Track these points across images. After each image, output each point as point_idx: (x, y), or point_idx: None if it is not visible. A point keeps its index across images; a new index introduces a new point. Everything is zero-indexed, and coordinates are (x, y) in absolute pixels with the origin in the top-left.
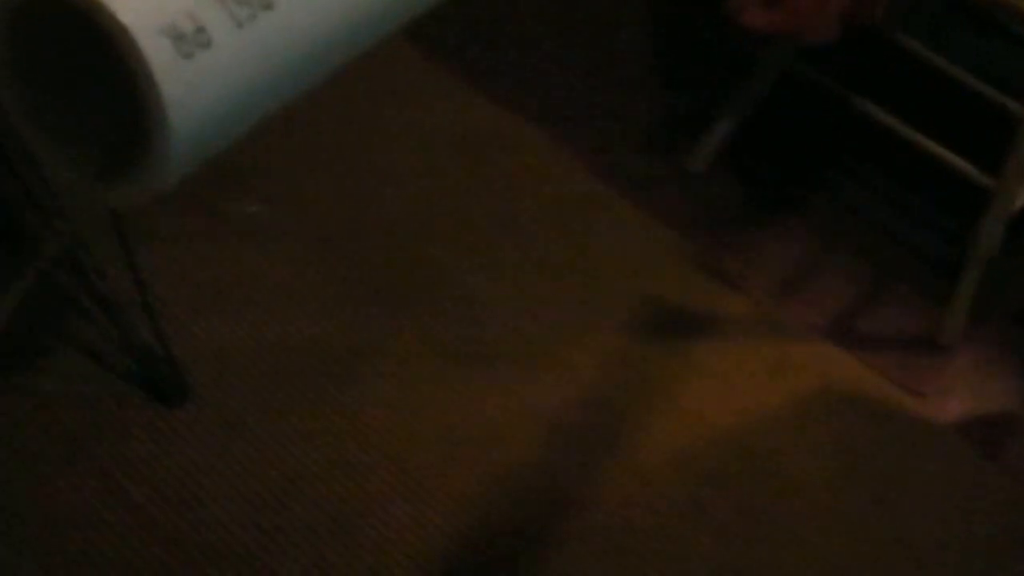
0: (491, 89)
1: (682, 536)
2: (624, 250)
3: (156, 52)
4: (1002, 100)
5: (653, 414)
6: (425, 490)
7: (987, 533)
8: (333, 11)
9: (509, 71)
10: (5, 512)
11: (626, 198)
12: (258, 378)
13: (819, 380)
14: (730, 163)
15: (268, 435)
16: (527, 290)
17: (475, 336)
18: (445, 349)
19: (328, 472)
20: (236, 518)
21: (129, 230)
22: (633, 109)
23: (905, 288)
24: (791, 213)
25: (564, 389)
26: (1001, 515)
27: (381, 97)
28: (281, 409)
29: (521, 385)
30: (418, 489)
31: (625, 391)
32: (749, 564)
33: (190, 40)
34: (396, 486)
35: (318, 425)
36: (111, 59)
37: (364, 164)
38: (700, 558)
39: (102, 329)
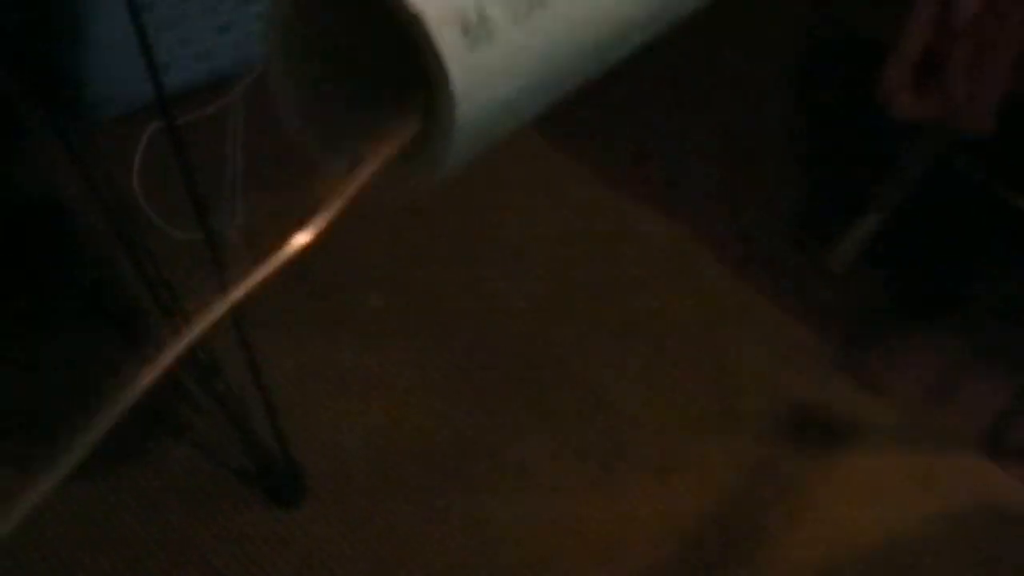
0: (622, 182)
1: None
2: (763, 351)
3: (447, 41)
4: None
5: (791, 524)
6: None
7: None
8: (607, 8)
9: (642, 163)
10: None
11: (765, 296)
12: (378, 478)
13: (968, 494)
14: (875, 259)
15: (389, 539)
16: (660, 391)
17: (606, 438)
18: (574, 451)
19: None
20: None
21: (248, 324)
22: (773, 204)
23: None
24: (939, 313)
25: (699, 496)
26: None
27: (506, 188)
28: (402, 511)
29: (654, 490)
30: None
31: (763, 499)
32: None
33: (475, 30)
34: None
35: (441, 529)
36: (396, 49)
37: (488, 257)
38: None
39: (217, 425)
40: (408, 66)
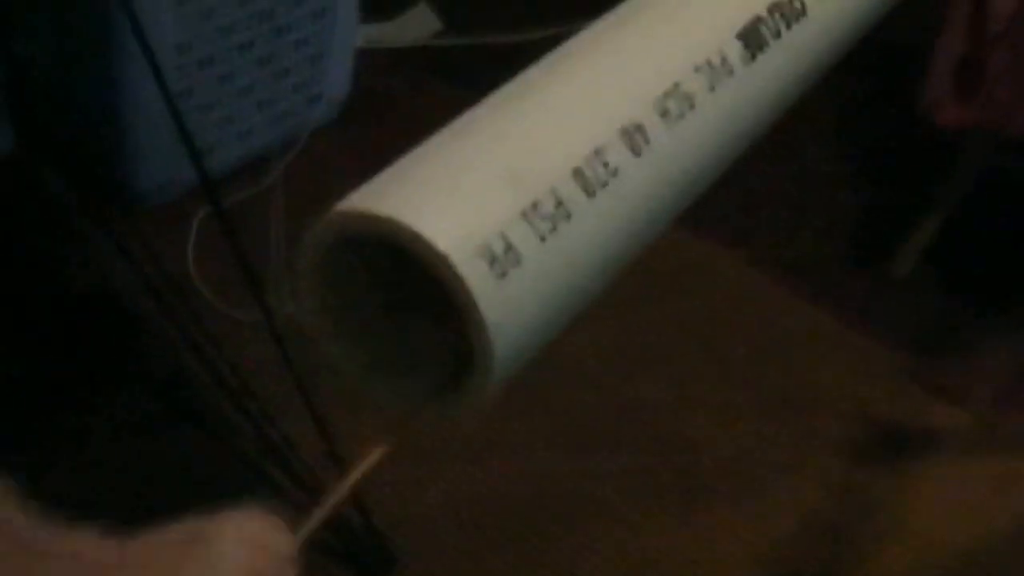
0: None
1: None
2: (835, 369)
3: (475, 276)
4: None
5: (880, 539)
6: None
7: None
8: (626, 212)
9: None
10: None
11: (831, 314)
12: (464, 542)
13: None
14: (937, 266)
15: None
16: (739, 420)
17: (691, 473)
18: (653, 488)
19: None
20: None
21: (318, 396)
22: (830, 221)
23: None
24: (1005, 317)
25: (787, 520)
26: None
27: None
28: (492, 567)
29: (743, 520)
30: None
31: (849, 516)
32: None
33: (502, 260)
34: None
35: None
36: (426, 286)
37: None
38: None
39: (299, 504)
40: (443, 298)
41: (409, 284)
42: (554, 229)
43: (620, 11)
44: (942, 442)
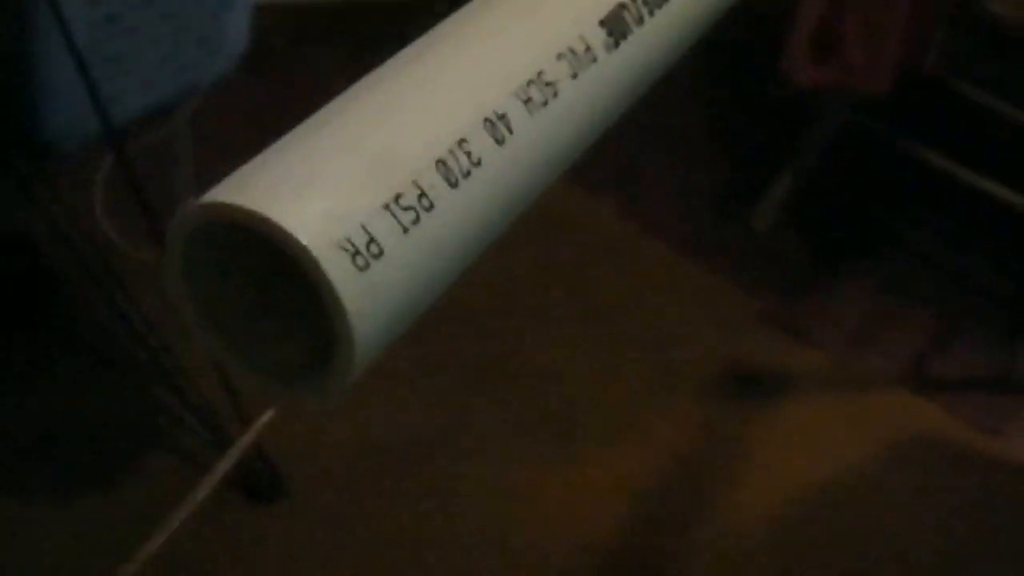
0: None
1: None
2: (696, 314)
3: (336, 269)
4: None
5: (738, 475)
6: (524, 568)
7: None
8: (489, 200)
9: None
10: None
11: (697, 263)
12: (350, 468)
13: (900, 428)
14: (795, 219)
15: (365, 526)
16: (604, 361)
17: (556, 410)
18: (532, 427)
19: (424, 560)
20: None
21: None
22: (695, 174)
23: (979, 330)
24: (859, 264)
25: (648, 457)
26: None
27: None
28: (376, 497)
29: (606, 456)
30: (517, 567)
31: (708, 455)
32: None
33: (364, 253)
34: (495, 566)
35: (411, 513)
36: (289, 276)
37: None
38: None
39: (191, 428)
40: (305, 289)
41: (274, 274)
42: (417, 220)
43: None
44: (798, 382)
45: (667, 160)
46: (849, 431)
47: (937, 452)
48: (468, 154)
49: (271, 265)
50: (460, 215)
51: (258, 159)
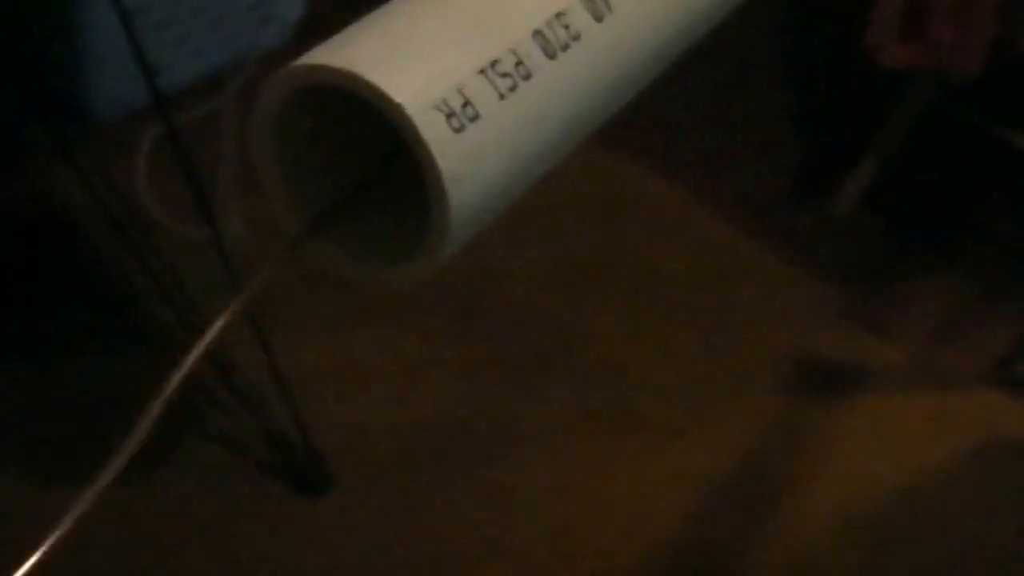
0: (621, 146)
1: None
2: (772, 304)
3: (431, 127)
4: None
5: (812, 473)
6: (583, 566)
7: None
8: (589, 77)
9: (641, 126)
10: None
11: (771, 249)
12: (403, 461)
13: (984, 429)
14: (876, 207)
15: (417, 520)
16: (674, 351)
17: (624, 402)
18: (593, 418)
19: (483, 554)
20: None
21: (263, 316)
22: (774, 157)
23: None
24: (942, 255)
25: (718, 452)
26: None
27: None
28: (429, 491)
29: (674, 451)
30: (576, 566)
31: (782, 451)
32: None
33: (460, 114)
34: (552, 563)
35: (468, 506)
36: (385, 141)
37: (493, 235)
38: None
39: (240, 420)
40: (401, 157)
41: (369, 150)
42: (514, 88)
43: None
44: (877, 379)
45: (745, 142)
46: (929, 430)
47: (1021, 453)
48: (567, 27)
49: (364, 145)
50: (558, 87)
51: (353, 26)
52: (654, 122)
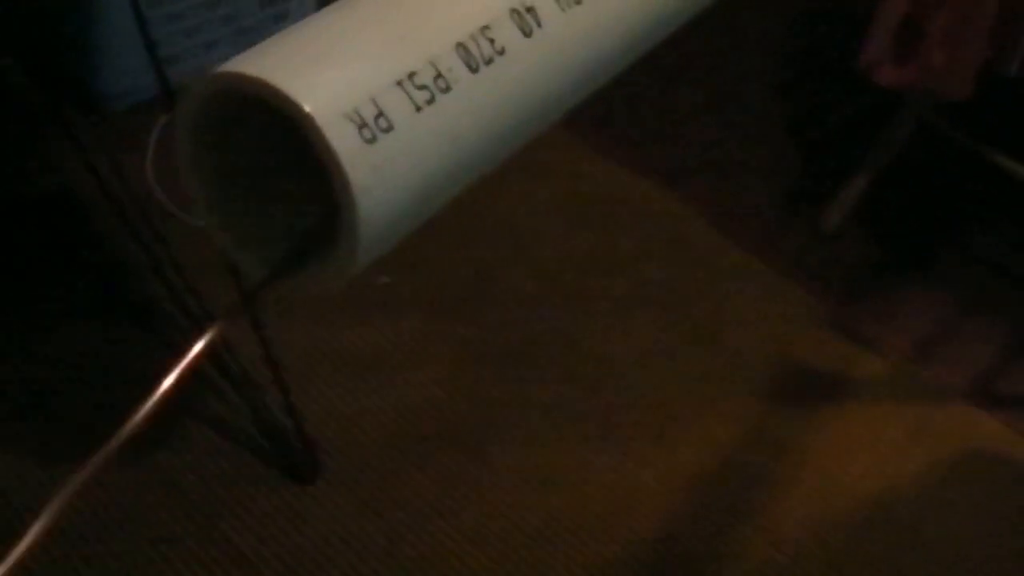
0: (618, 154)
1: None
2: (758, 312)
3: (341, 138)
4: None
5: (790, 480)
6: (560, 563)
7: None
8: (511, 93)
9: (635, 135)
10: None
11: (760, 259)
12: (390, 451)
13: (961, 443)
14: (865, 221)
15: (402, 511)
16: (660, 354)
17: (608, 403)
18: (577, 416)
19: (461, 547)
20: None
21: (259, 306)
22: (765, 169)
23: None
24: (928, 271)
25: (700, 456)
26: None
27: (505, 165)
28: (414, 482)
29: (655, 452)
30: (553, 562)
31: (762, 456)
32: None
33: (372, 126)
34: (530, 559)
35: (452, 498)
36: (296, 150)
37: (487, 232)
38: None
39: (233, 406)
40: (314, 167)
41: (286, 157)
42: (431, 101)
43: None
44: (859, 389)
45: (740, 152)
46: (908, 443)
47: (999, 470)
48: (491, 41)
49: (280, 152)
50: (479, 102)
51: (274, 36)
52: (648, 133)
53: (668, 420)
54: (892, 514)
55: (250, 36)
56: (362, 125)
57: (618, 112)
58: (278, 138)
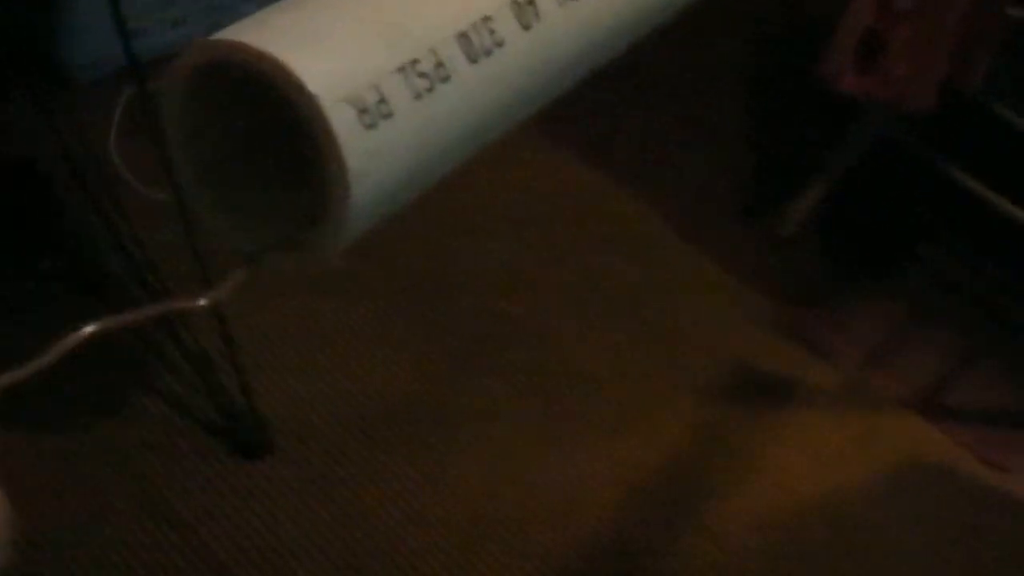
0: (582, 154)
1: None
2: (714, 316)
3: (341, 121)
4: None
5: (736, 481)
6: (502, 549)
7: None
8: (507, 84)
9: (601, 137)
10: (85, 563)
11: (717, 265)
12: (341, 433)
13: (906, 453)
14: (821, 229)
15: (349, 491)
16: (617, 354)
17: (561, 395)
18: (531, 410)
19: (404, 528)
20: (315, 575)
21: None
22: (725, 176)
23: (998, 361)
24: (881, 281)
25: (648, 452)
26: None
27: (474, 162)
28: (363, 464)
29: (606, 446)
30: (492, 547)
31: (709, 457)
32: None
33: (373, 111)
34: (474, 545)
35: (400, 481)
36: (292, 128)
37: (453, 222)
38: None
39: (187, 382)
40: (306, 145)
41: (275, 131)
42: (431, 89)
43: None
44: (809, 395)
45: (698, 157)
46: (853, 450)
47: (939, 481)
48: (492, 32)
49: (267, 127)
50: (475, 93)
51: (277, 4)
52: (611, 135)
53: (620, 419)
54: (835, 518)
55: (220, 14)
56: (363, 110)
57: (586, 123)
58: (259, 114)
